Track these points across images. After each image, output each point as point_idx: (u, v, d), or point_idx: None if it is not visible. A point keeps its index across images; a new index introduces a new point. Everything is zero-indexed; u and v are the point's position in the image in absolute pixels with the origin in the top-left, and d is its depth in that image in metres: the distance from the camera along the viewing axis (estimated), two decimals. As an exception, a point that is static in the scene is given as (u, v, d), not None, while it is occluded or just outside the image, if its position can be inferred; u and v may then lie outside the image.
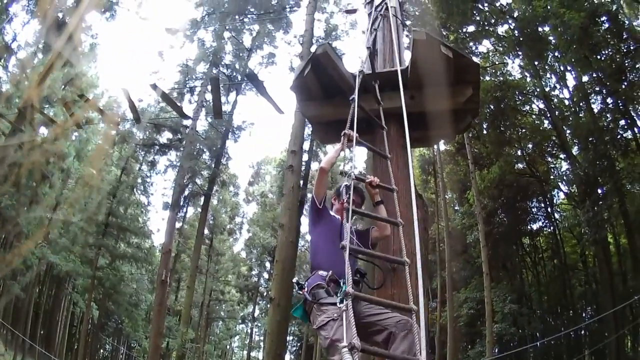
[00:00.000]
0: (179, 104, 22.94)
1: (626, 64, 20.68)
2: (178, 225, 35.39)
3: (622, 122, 22.81)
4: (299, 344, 59.00)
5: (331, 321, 3.52)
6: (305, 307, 3.90)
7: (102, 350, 64.56)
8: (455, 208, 34.75)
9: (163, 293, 25.38)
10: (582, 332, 29.41)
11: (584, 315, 32.37)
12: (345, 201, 4.05)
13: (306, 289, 3.86)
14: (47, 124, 26.19)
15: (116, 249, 38.11)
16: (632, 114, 22.50)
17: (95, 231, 34.83)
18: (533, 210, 31.44)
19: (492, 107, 25.90)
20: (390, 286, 4.58)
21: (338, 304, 3.44)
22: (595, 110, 24.04)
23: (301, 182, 15.05)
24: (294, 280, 4.11)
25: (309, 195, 4.05)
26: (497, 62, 28.08)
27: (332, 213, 4.28)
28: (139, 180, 39.18)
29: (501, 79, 26.72)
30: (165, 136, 31.25)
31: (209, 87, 24.03)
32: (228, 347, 72.55)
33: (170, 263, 29.03)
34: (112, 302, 43.80)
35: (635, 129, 22.84)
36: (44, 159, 29.08)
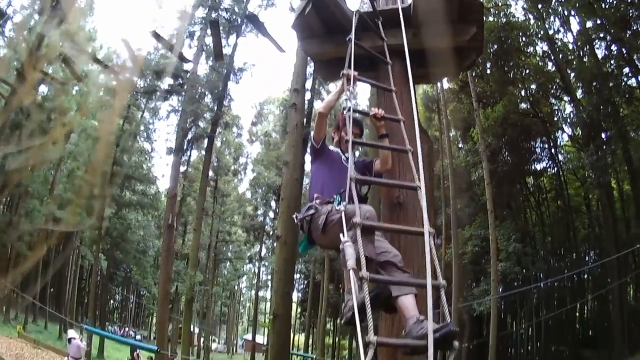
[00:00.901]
0: (179, 50, 22.72)
1: (630, 13, 20.41)
2: (182, 169, 35.43)
3: (627, 70, 22.70)
4: (306, 282, 59.65)
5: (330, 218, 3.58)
6: (305, 234, 3.96)
7: (112, 301, 65.73)
8: (459, 146, 34.72)
9: (170, 238, 25.62)
10: (585, 276, 29.81)
11: (587, 259, 32.74)
12: (345, 133, 4.08)
13: (300, 215, 3.92)
14: (47, 81, 26.10)
15: (122, 198, 38.35)
16: (637, 62, 22.31)
17: (101, 182, 34.97)
18: (537, 150, 31.43)
19: (495, 47, 25.71)
20: (396, 221, 4.56)
21: (336, 206, 3.48)
22: (600, 56, 23.89)
23: (304, 120, 14.96)
24: (294, 216, 4.14)
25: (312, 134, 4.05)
26: (500, 3, 27.64)
27: (331, 147, 4.27)
28: (142, 128, 39.16)
29: (504, 20, 26.37)
30: (166, 82, 31.05)
31: (209, 31, 23.79)
32: (236, 287, 73.64)
33: (176, 207, 29.29)
34: (120, 251, 44.26)
35: (640, 78, 22.75)
36: (45, 116, 29.10)
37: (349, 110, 3.73)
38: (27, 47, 22.81)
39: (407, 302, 3.18)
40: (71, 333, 18.71)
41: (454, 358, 2.68)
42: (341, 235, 2.96)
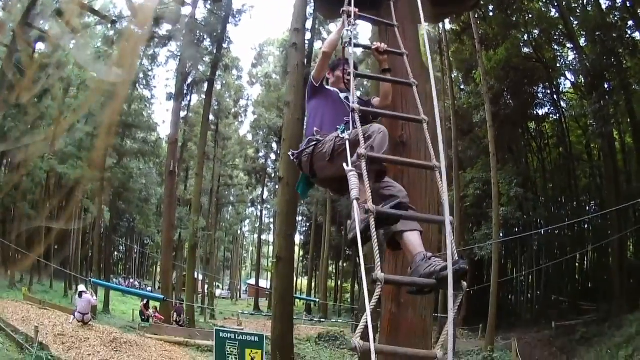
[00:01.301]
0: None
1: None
2: (183, 114, 35.33)
3: (630, 22, 22.35)
4: (308, 224, 60.23)
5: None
6: (302, 172, 3.88)
7: (116, 253, 66.27)
8: (462, 87, 34.46)
9: (172, 184, 25.75)
10: (586, 226, 29.90)
11: (587, 208, 32.84)
12: (344, 70, 4.05)
13: (298, 150, 3.84)
14: (44, 37, 25.74)
15: (123, 147, 38.26)
16: (641, 16, 22.01)
17: (101, 132, 34.80)
18: (539, 95, 31.22)
19: (498, -11, 25.31)
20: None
21: (340, 134, 3.41)
22: (604, 7, 23.63)
23: (305, 59, 14.79)
24: (289, 153, 4.05)
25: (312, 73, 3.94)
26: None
27: (328, 87, 4.18)
28: (141, 75, 38.76)
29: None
30: (164, 28, 30.68)
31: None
32: (239, 232, 74.16)
33: (177, 153, 29.30)
34: (123, 201, 44.46)
35: (644, 31, 22.47)
36: (42, 72, 28.79)
37: (349, 43, 3.67)
38: (22, 7, 22.49)
39: (413, 239, 3.14)
40: (81, 287, 18.97)
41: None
42: (344, 164, 2.94)
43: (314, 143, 3.67)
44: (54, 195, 41.80)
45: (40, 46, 30.49)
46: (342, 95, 4.07)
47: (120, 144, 37.68)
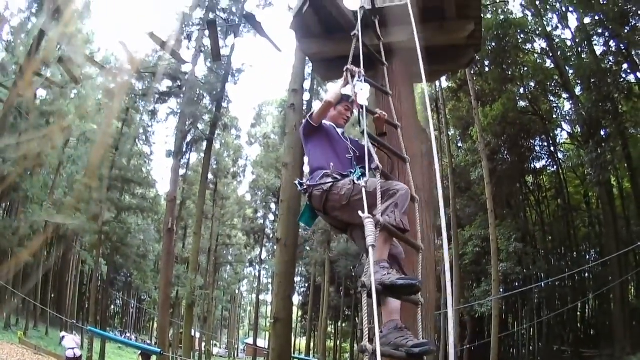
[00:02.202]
0: (177, 52, 22.68)
1: (628, 8, 20.41)
2: (182, 172, 35.40)
3: (625, 66, 22.74)
4: (306, 285, 59.78)
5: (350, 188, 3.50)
6: (311, 204, 3.83)
7: (112, 306, 65.74)
8: (459, 145, 34.70)
9: (170, 241, 25.57)
10: (586, 274, 29.81)
11: (587, 257, 32.81)
12: (347, 107, 4.13)
13: (311, 182, 3.77)
14: (45, 84, 26.07)
15: (121, 202, 38.25)
16: (635, 58, 22.34)
17: (100, 185, 34.89)
18: (536, 148, 31.47)
19: (494, 44, 25.72)
20: None
21: (355, 180, 3.41)
22: (598, 53, 23.92)
23: (303, 120, 14.95)
24: (296, 181, 4.02)
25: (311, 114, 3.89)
26: (498, 1, 27.66)
27: (325, 122, 4.14)
28: (141, 131, 39.08)
29: (502, 17, 26.38)
30: (164, 84, 31.03)
31: (207, 32, 23.71)
32: (237, 291, 73.79)
33: (176, 211, 29.23)
34: (120, 255, 44.14)
35: (639, 74, 22.76)
36: (44, 120, 29.06)
37: (362, 101, 3.69)
38: (25, 50, 22.83)
39: (395, 304, 3.21)
40: (62, 334, 18.90)
41: None
42: (360, 212, 2.96)
43: (330, 181, 3.61)
44: (52, 245, 41.72)
45: (42, 92, 31.00)
46: (339, 131, 4.09)
47: (119, 198, 37.65)
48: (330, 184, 3.60)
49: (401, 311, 3.23)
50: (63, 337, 18.37)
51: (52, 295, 42.12)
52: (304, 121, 4.07)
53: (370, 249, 2.69)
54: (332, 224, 3.89)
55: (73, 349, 17.61)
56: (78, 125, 34.71)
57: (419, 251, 3.13)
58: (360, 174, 3.41)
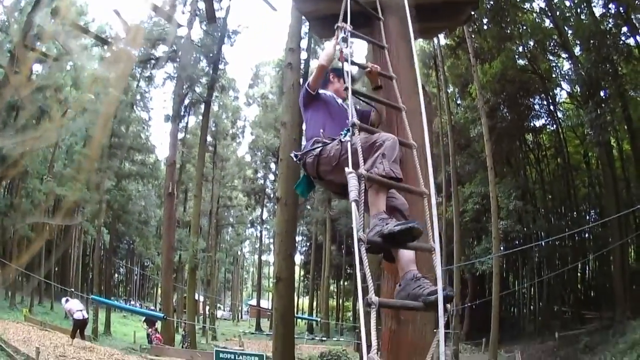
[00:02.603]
0: (171, 16, 22.46)
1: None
2: (181, 136, 35.38)
3: (625, 29, 22.52)
4: (308, 244, 60.07)
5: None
6: (306, 172, 3.86)
7: (116, 275, 66.03)
8: (458, 102, 34.57)
9: (171, 206, 25.69)
10: (586, 235, 29.90)
11: (587, 217, 32.87)
12: (338, 84, 4.08)
13: (303, 150, 3.82)
14: (41, 59, 25.83)
15: (121, 169, 38.28)
16: (635, 21, 22.13)
17: (99, 155, 34.86)
18: (535, 107, 31.36)
19: (492, 2, 25.44)
20: None
21: (342, 138, 3.42)
22: (597, 14, 23.68)
23: (301, 79, 14.75)
24: (292, 154, 4.05)
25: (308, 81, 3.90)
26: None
27: (324, 91, 4.14)
28: (138, 97, 38.90)
29: (501, -26, 26.06)
30: (160, 50, 30.83)
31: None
32: (239, 252, 74.10)
33: (176, 175, 29.29)
34: (122, 223, 44.35)
35: (638, 37, 22.56)
36: (40, 95, 28.89)
37: (347, 59, 3.69)
38: (19, 28, 22.58)
39: (408, 254, 3.14)
40: (63, 300, 18.78)
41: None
42: (346, 167, 2.93)
43: (320, 145, 3.65)
44: (53, 217, 41.78)
45: (37, 67, 30.77)
46: (339, 101, 4.07)
47: (119, 166, 37.68)
48: (320, 148, 3.63)
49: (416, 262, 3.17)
50: (67, 300, 18.31)
51: (56, 269, 42.22)
52: (302, 90, 4.06)
53: (353, 204, 2.68)
54: (330, 189, 3.90)
55: (81, 310, 17.65)
56: (75, 96, 34.52)
57: (422, 197, 3.11)
58: (346, 132, 3.38)
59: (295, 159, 3.92)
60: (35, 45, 23.14)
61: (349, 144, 3.16)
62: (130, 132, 38.65)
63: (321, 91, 4.08)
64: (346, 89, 3.59)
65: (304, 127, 4.19)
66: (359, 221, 2.63)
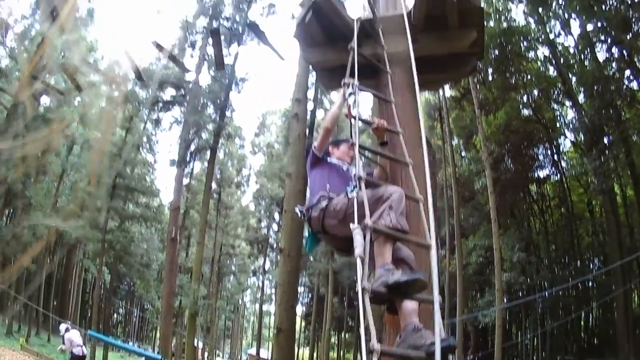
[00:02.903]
0: (180, 60, 22.76)
1: (631, 15, 20.38)
2: (185, 181, 35.50)
3: (628, 73, 22.65)
4: (310, 295, 59.70)
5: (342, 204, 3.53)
6: (311, 227, 3.86)
7: (115, 315, 65.59)
8: (462, 154, 34.67)
9: (173, 251, 25.61)
10: (590, 283, 29.67)
11: (591, 266, 32.67)
12: (351, 143, 3.97)
13: (307, 205, 3.87)
14: (48, 92, 26.13)
15: (125, 210, 38.29)
16: (638, 64, 22.26)
17: (103, 194, 34.93)
18: (540, 157, 31.37)
19: (497, 52, 25.70)
20: None
21: (349, 193, 3.44)
22: (601, 60, 23.87)
23: (307, 130, 14.81)
24: (297, 209, 4.05)
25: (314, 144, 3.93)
26: (500, 8, 27.68)
27: (331, 159, 4.19)
28: (144, 139, 39.11)
29: (505, 25, 26.40)
30: (168, 93, 31.16)
31: (210, 41, 23.81)
32: (240, 301, 73.48)
33: (179, 220, 29.25)
34: (124, 264, 44.25)
35: (641, 80, 22.70)
36: (46, 128, 29.13)
37: (353, 116, 3.72)
38: (28, 57, 22.88)
39: (411, 306, 3.19)
40: (62, 326, 17.46)
41: None
42: (351, 224, 2.95)
43: (326, 200, 3.67)
44: (54, 252, 41.75)
45: (45, 100, 31.07)
46: (345, 167, 4.08)
47: (122, 207, 37.72)
48: (326, 202, 3.66)
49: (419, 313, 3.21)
50: (67, 329, 17.02)
51: (55, 303, 42.23)
52: (309, 154, 4.14)
53: (358, 260, 2.68)
54: (334, 244, 3.90)
55: (81, 346, 16.88)
56: (81, 132, 34.78)
57: (428, 250, 3.12)
58: (353, 188, 3.40)
59: (299, 214, 3.93)
60: (44, 77, 23.43)
61: (355, 199, 3.16)
62: (135, 174, 38.77)
63: (330, 159, 4.14)
64: (353, 145, 3.64)
65: (308, 175, 4.20)
66: (363, 274, 2.62)
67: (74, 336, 16.80)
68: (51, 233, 35.00)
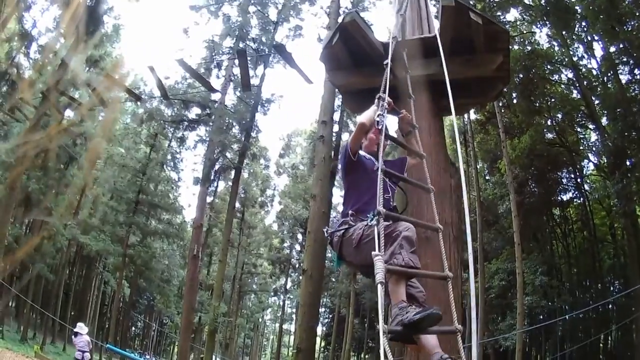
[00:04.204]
0: (206, 79, 22.94)
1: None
2: (209, 199, 35.67)
3: (650, 93, 22.49)
4: (331, 316, 59.38)
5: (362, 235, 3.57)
6: (334, 249, 3.92)
7: (133, 328, 65.71)
8: (487, 178, 34.51)
9: (195, 268, 25.66)
10: (610, 306, 29.27)
11: (612, 289, 32.26)
12: (378, 130, 4.02)
13: (331, 230, 3.92)
14: (73, 105, 26.43)
15: (147, 226, 38.57)
16: (660, 86, 22.13)
17: (126, 209, 35.26)
18: (563, 180, 31.20)
19: (521, 76, 25.63)
20: (423, 255, 4.49)
21: (369, 222, 3.44)
22: (623, 81, 23.70)
23: (332, 152, 14.87)
24: (324, 229, 4.15)
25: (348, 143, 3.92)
26: (525, 32, 27.69)
27: (363, 154, 4.18)
28: (169, 157, 39.48)
29: (529, 48, 26.38)
30: (193, 112, 31.34)
31: (236, 61, 23.97)
32: (260, 320, 73.32)
33: (201, 238, 29.35)
34: (144, 279, 44.46)
35: (664, 100, 22.48)
36: (70, 141, 29.44)
37: (381, 132, 3.75)
38: (53, 69, 23.19)
39: (431, 339, 3.24)
40: (79, 326, 16.86)
41: None
42: (372, 252, 2.98)
43: (345, 227, 3.73)
44: (74, 263, 42.05)
45: (69, 113, 31.44)
46: (375, 166, 4.00)
47: (145, 222, 37.99)
48: (344, 230, 3.73)
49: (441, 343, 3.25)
50: (78, 334, 16.44)
51: (72, 313, 42.41)
52: (342, 152, 4.12)
53: (379, 286, 2.75)
54: (351, 268, 4.00)
55: (83, 352, 16.64)
56: (105, 148, 35.10)
57: (447, 280, 3.14)
58: (372, 217, 3.39)
59: (326, 235, 4.01)
60: (68, 90, 23.68)
61: (371, 229, 3.27)
62: (159, 191, 39.08)
63: (360, 152, 4.13)
64: (377, 169, 3.58)
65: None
66: (384, 305, 2.67)
67: (78, 341, 16.62)
68: (71, 245, 35.36)
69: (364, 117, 4.06)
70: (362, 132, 4.07)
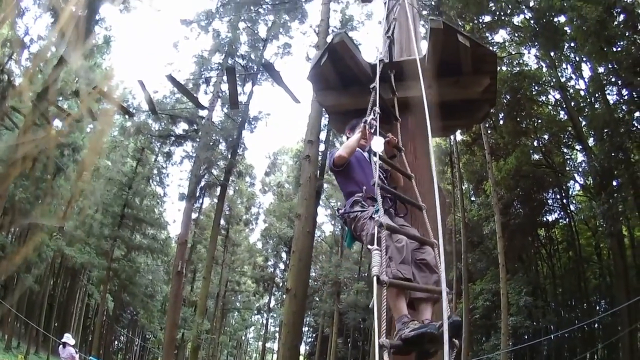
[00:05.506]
0: (194, 95, 22.94)
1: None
2: (194, 216, 35.52)
3: (638, 114, 22.66)
4: (314, 335, 59.22)
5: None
6: (349, 228, 3.98)
7: (116, 342, 65.12)
8: (472, 199, 34.66)
9: (179, 284, 25.50)
10: (596, 325, 29.37)
11: (597, 308, 32.37)
12: (370, 130, 4.12)
13: (345, 210, 3.96)
14: (61, 116, 26.31)
15: (132, 240, 38.38)
16: (648, 106, 22.31)
17: (111, 223, 35.04)
18: (549, 201, 31.35)
19: (508, 97, 25.80)
20: None
21: (373, 214, 3.50)
22: (611, 102, 23.95)
23: (318, 172, 14.88)
24: (336, 210, 4.24)
25: (330, 154, 3.96)
26: (513, 52, 27.93)
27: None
28: (155, 172, 39.36)
29: (517, 69, 26.62)
30: (181, 127, 31.32)
31: (225, 78, 24.01)
32: (243, 337, 73.00)
33: (186, 254, 29.18)
34: (128, 293, 44.19)
35: (651, 121, 22.69)
36: (58, 152, 29.25)
37: (374, 154, 3.73)
38: (42, 78, 23.07)
39: (426, 313, 3.37)
40: (66, 337, 17.01)
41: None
42: (369, 245, 3.07)
43: (358, 209, 3.82)
44: (59, 275, 41.65)
45: (57, 123, 31.26)
46: (366, 155, 4.22)
47: (130, 237, 37.78)
48: (356, 214, 3.81)
49: None
50: (64, 344, 16.52)
51: (56, 324, 42.03)
52: (329, 159, 4.27)
53: (375, 280, 2.77)
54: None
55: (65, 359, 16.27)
56: (92, 160, 34.89)
57: (434, 248, 3.18)
58: (378, 208, 3.42)
59: (338, 215, 4.13)
60: (57, 101, 23.55)
61: (373, 221, 3.33)
62: (144, 206, 38.90)
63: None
64: (366, 123, 3.98)
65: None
66: (377, 298, 2.69)
67: (63, 353, 16.36)
68: (56, 256, 35.05)
69: (344, 150, 4.15)
70: (344, 160, 4.13)
